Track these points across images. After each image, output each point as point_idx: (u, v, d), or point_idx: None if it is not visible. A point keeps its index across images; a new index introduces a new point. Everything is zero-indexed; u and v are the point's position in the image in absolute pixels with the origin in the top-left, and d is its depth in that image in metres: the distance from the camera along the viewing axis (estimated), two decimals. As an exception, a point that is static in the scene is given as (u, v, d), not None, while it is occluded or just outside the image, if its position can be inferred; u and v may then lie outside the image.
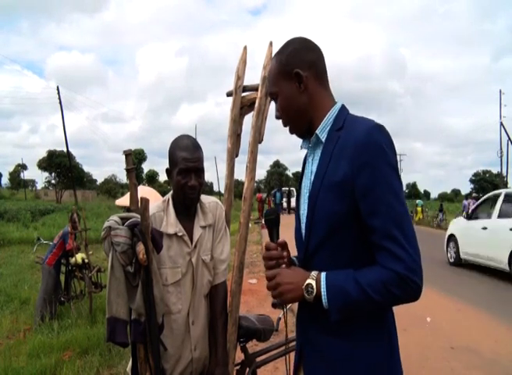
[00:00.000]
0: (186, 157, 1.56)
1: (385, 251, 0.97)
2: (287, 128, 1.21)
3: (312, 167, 1.15)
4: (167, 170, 1.67)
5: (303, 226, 1.15)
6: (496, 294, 6.28)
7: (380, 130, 1.04)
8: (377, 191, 0.99)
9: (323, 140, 1.13)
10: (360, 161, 1.00)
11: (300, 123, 1.18)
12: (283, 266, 1.14)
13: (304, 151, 1.24)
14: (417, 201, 26.95)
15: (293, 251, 1.23)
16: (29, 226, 14.46)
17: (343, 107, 1.15)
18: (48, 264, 4.77)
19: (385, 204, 0.98)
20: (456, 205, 38.23)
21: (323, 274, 1.04)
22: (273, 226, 1.21)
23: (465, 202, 19.06)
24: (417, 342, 4.13)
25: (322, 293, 1.02)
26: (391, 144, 1.04)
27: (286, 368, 1.26)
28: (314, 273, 1.05)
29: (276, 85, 1.17)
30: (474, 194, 21.20)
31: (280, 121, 1.22)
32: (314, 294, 1.02)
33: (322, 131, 1.13)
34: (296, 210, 1.20)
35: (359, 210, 1.02)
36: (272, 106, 2.03)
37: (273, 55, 1.21)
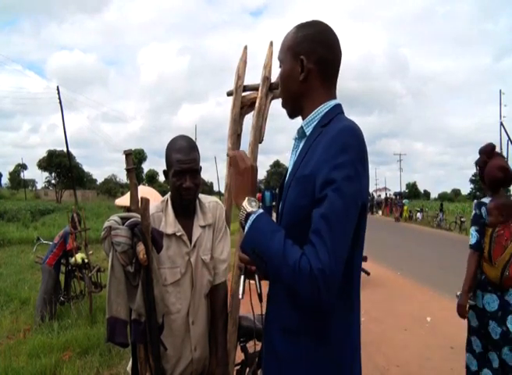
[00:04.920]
0: (180, 159, 1.56)
1: (310, 243, 0.95)
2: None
3: (294, 159, 1.15)
4: (164, 171, 1.67)
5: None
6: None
7: (350, 131, 1.01)
8: (326, 189, 0.97)
9: (307, 133, 1.12)
10: (323, 157, 1.00)
11: (290, 104, 1.19)
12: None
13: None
14: (404, 200, 27.72)
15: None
16: (29, 226, 14.43)
17: (336, 106, 1.13)
18: (48, 264, 4.76)
19: (328, 202, 0.96)
20: (456, 204, 38.18)
21: (261, 209, 1.05)
22: None
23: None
24: (417, 342, 4.13)
25: (249, 219, 1.02)
26: (358, 147, 1.01)
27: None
28: (255, 200, 1.07)
29: (284, 55, 1.16)
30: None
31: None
32: (248, 211, 1.03)
33: (308, 125, 1.12)
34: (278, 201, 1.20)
35: None
36: (272, 106, 2.03)
37: (296, 26, 1.16)
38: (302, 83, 1.11)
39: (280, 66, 1.18)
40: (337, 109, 1.12)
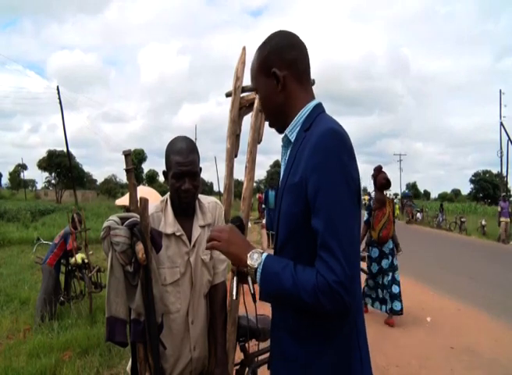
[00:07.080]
0: (179, 161, 1.55)
1: (321, 259, 0.96)
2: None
3: (283, 167, 1.16)
4: (164, 172, 1.67)
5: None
6: (496, 294, 6.27)
7: (332, 134, 1.01)
8: (320, 197, 0.98)
9: (292, 140, 1.12)
10: (310, 164, 1.00)
11: (277, 120, 1.19)
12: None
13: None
14: (396, 200, 27.93)
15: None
16: (29, 226, 14.42)
17: (316, 106, 1.13)
18: (48, 264, 4.77)
19: (325, 211, 0.97)
20: (456, 205, 38.15)
21: (264, 255, 1.05)
22: None
23: (503, 204, 14.55)
24: (417, 342, 4.13)
25: (258, 272, 1.03)
26: (343, 148, 1.01)
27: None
28: (258, 250, 1.07)
29: (256, 81, 1.17)
30: (503, 194, 16.80)
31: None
32: (256, 266, 1.03)
33: (292, 131, 1.12)
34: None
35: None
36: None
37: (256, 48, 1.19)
38: (281, 93, 1.12)
39: (257, 93, 1.18)
40: (318, 110, 1.12)
